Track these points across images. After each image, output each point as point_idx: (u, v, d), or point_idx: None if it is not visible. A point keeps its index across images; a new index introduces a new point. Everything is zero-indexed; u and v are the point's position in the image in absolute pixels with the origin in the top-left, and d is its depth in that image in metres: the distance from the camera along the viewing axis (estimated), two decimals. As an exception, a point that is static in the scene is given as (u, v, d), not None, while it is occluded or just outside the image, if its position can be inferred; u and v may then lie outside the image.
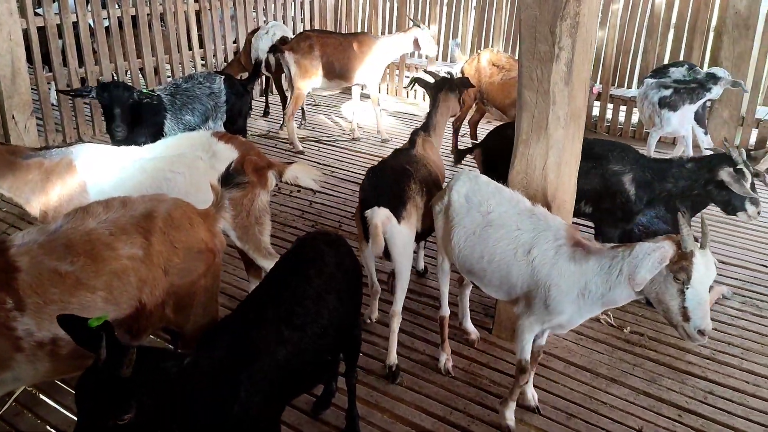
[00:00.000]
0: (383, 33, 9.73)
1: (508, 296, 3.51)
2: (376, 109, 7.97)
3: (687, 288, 2.80)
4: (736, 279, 5.05)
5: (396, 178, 3.93)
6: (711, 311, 4.64)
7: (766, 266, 5.26)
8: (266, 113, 9.01)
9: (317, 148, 7.84)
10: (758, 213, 4.35)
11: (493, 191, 3.59)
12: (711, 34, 7.90)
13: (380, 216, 3.64)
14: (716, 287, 4.73)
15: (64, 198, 3.53)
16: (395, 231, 3.72)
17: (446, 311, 3.98)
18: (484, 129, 7.74)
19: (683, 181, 4.34)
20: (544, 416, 3.62)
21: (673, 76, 6.80)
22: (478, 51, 6.99)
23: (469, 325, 4.28)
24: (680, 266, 2.80)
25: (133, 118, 5.05)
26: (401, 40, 7.83)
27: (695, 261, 2.77)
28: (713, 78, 6.29)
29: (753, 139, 7.75)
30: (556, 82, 3.67)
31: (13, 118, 6.88)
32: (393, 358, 3.90)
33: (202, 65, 8.91)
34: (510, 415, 3.51)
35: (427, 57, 8.57)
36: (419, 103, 9.74)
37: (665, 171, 4.37)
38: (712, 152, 4.88)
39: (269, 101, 9.13)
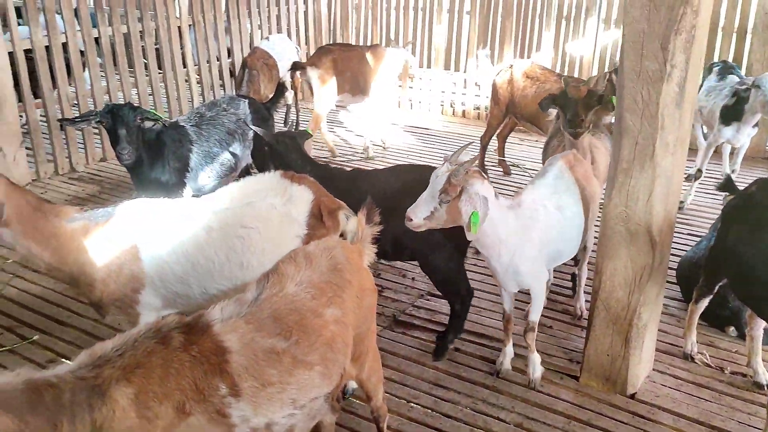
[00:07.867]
0: (386, 45, 9.20)
1: None
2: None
3: None
4: None
5: None
6: None
7: None
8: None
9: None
10: None
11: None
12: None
13: None
14: None
15: (113, 268, 2.93)
16: None
17: None
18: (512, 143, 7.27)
19: None
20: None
21: None
22: (511, 63, 6.51)
23: None
24: None
25: (154, 151, 4.46)
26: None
27: None
28: None
29: None
30: (666, 104, 3.23)
31: (1, 149, 6.22)
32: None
33: (197, 83, 8.26)
34: None
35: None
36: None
37: None
38: None
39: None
